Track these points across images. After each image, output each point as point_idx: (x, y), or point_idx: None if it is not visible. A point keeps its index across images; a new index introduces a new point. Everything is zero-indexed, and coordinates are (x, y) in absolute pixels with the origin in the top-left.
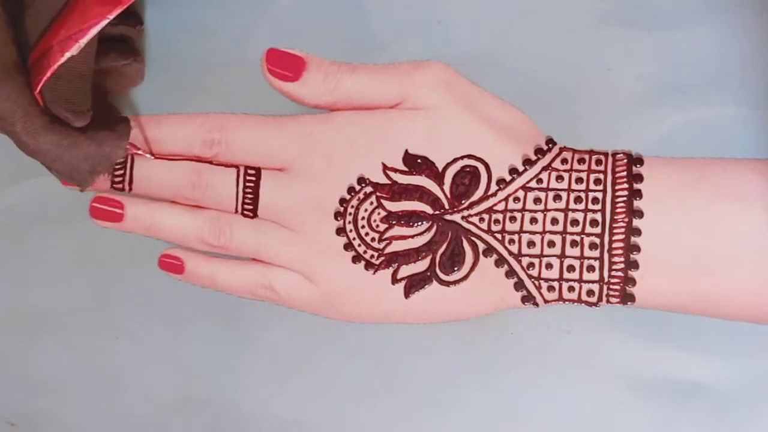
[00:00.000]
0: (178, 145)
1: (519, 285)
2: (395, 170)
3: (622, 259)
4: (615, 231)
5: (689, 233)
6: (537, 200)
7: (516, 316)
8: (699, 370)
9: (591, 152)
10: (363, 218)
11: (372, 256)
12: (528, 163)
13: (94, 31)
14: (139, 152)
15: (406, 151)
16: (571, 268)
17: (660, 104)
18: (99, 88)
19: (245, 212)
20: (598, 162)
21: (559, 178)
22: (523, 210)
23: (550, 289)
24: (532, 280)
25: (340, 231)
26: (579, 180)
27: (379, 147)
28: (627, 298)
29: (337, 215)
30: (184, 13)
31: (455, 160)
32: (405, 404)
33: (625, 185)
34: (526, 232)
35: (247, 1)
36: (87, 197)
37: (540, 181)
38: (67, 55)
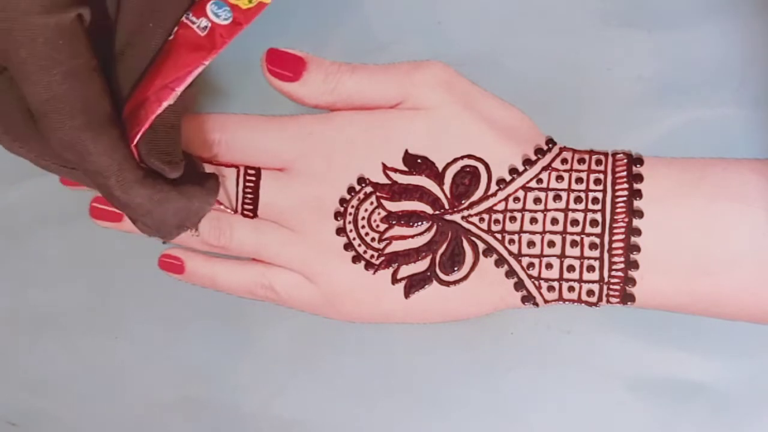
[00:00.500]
0: None
1: (519, 285)
2: (395, 170)
3: (622, 259)
4: (615, 231)
5: (689, 233)
6: (537, 200)
7: (516, 316)
8: (699, 370)
9: (591, 152)
10: (363, 218)
11: (372, 256)
12: (528, 163)
13: (190, 78)
14: (222, 208)
15: (406, 151)
16: (571, 268)
17: (660, 104)
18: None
19: (245, 212)
20: (598, 162)
21: (559, 178)
22: (523, 210)
23: (550, 289)
24: (532, 280)
25: (340, 231)
26: (579, 180)
27: (379, 147)
28: (627, 298)
29: (337, 215)
30: None
31: (455, 160)
32: (405, 404)
33: (625, 185)
34: (526, 232)
35: None
36: (87, 197)
37: (540, 181)
38: (165, 104)
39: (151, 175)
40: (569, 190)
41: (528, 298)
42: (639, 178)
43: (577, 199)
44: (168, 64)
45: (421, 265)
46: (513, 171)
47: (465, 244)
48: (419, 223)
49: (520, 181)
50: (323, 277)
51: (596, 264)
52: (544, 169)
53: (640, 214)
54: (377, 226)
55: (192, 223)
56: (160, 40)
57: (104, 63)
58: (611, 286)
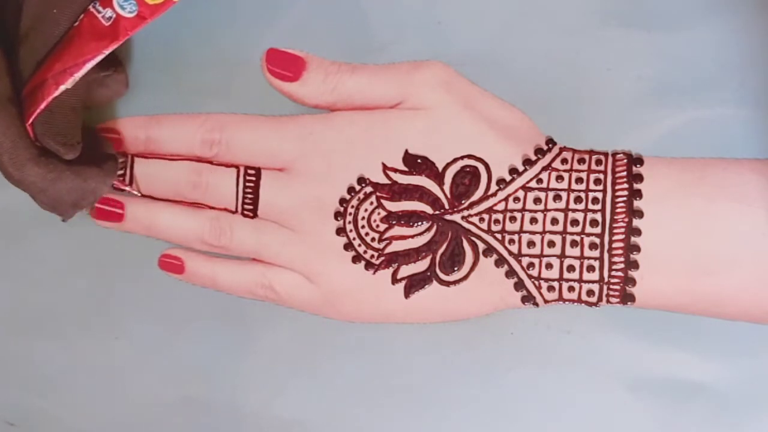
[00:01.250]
0: (178, 145)
1: (519, 285)
2: (395, 170)
3: (622, 259)
4: (615, 231)
5: (689, 233)
6: (537, 200)
7: (516, 316)
8: (699, 370)
9: (591, 152)
10: (363, 218)
11: (372, 256)
12: (528, 163)
13: (89, 66)
14: (127, 189)
15: (406, 151)
16: (571, 268)
17: (660, 104)
18: (87, 120)
19: (245, 212)
20: (598, 162)
21: (559, 178)
22: (523, 210)
23: (550, 289)
24: (532, 280)
25: (340, 231)
26: (579, 180)
27: (379, 147)
28: (627, 298)
29: (337, 215)
30: (184, 14)
31: (455, 160)
32: (405, 404)
33: (625, 185)
34: (526, 232)
35: (247, 1)
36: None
37: (540, 181)
38: (62, 88)
39: (46, 154)
40: (569, 190)
41: (528, 298)
42: (639, 178)
43: (577, 199)
44: (70, 49)
45: (421, 265)
46: (513, 171)
47: (465, 244)
48: (419, 223)
49: (520, 181)
50: (323, 277)
51: (596, 264)
52: (544, 169)
53: (640, 214)
54: (377, 226)
55: (88, 203)
56: (63, 28)
57: (7, 44)
58: (611, 286)
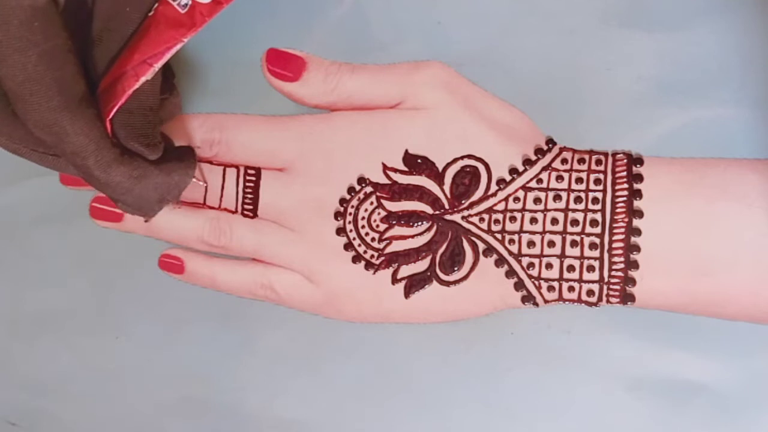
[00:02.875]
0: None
1: (519, 285)
2: (395, 170)
3: (622, 259)
4: (615, 231)
5: (689, 233)
6: (537, 200)
7: (516, 316)
8: (699, 370)
9: (591, 152)
10: (363, 218)
11: (372, 256)
12: (528, 163)
13: (169, 55)
14: (199, 182)
15: (406, 151)
16: (571, 268)
17: (660, 104)
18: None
19: (245, 212)
20: (598, 162)
21: (559, 178)
22: (523, 210)
23: (550, 289)
24: (532, 280)
25: (340, 231)
26: (579, 180)
27: (379, 147)
28: (627, 298)
29: (337, 215)
30: None
31: (455, 160)
32: (405, 404)
33: (625, 185)
34: (526, 232)
35: (247, 2)
36: (87, 197)
37: (540, 181)
38: (143, 79)
39: (128, 153)
40: (569, 190)
41: (528, 298)
42: (639, 178)
43: (577, 199)
44: (147, 40)
45: (421, 265)
46: (513, 171)
47: (465, 244)
48: (419, 223)
49: (520, 181)
50: (323, 277)
51: (596, 264)
52: (544, 169)
53: (640, 214)
54: (377, 226)
55: (173, 197)
56: (136, 25)
57: (81, 48)
58: (611, 286)
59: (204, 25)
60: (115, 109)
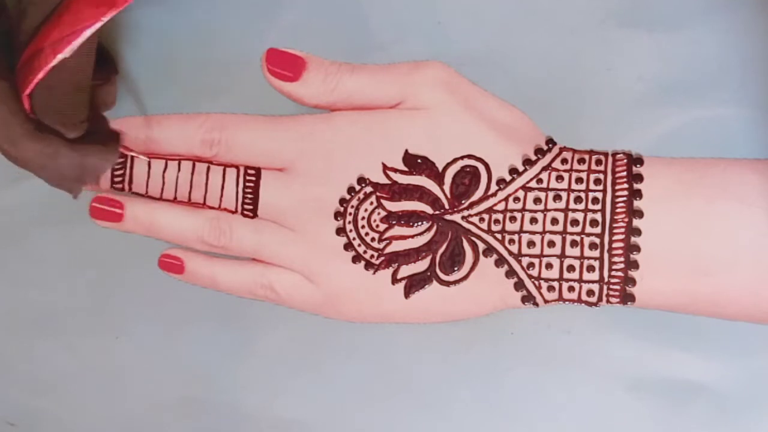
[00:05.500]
0: (178, 145)
1: (519, 285)
2: (395, 170)
3: (622, 259)
4: (615, 231)
5: (689, 233)
6: (537, 200)
7: (516, 316)
8: (699, 370)
9: (591, 152)
10: (363, 218)
11: (372, 256)
12: (528, 163)
13: (87, 33)
14: (134, 154)
15: (406, 151)
16: (571, 268)
17: (660, 104)
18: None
19: (245, 212)
20: (598, 162)
21: (559, 178)
22: (523, 210)
23: (550, 289)
24: (532, 280)
25: (340, 231)
26: (579, 180)
27: (379, 147)
28: (627, 298)
29: (337, 215)
30: (184, 14)
31: (455, 160)
32: (405, 404)
33: (625, 185)
34: (526, 232)
35: (247, 2)
36: (87, 197)
37: (540, 181)
38: (60, 57)
39: (42, 129)
40: (569, 190)
41: (528, 298)
42: (639, 178)
43: (577, 199)
44: (67, 16)
45: (421, 265)
46: (513, 171)
47: (465, 244)
48: (419, 223)
49: (520, 181)
50: (323, 277)
51: (596, 264)
52: (544, 169)
53: (640, 214)
54: (377, 226)
55: (91, 179)
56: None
57: (5, 22)
58: (611, 286)
59: (125, 6)
60: (31, 85)
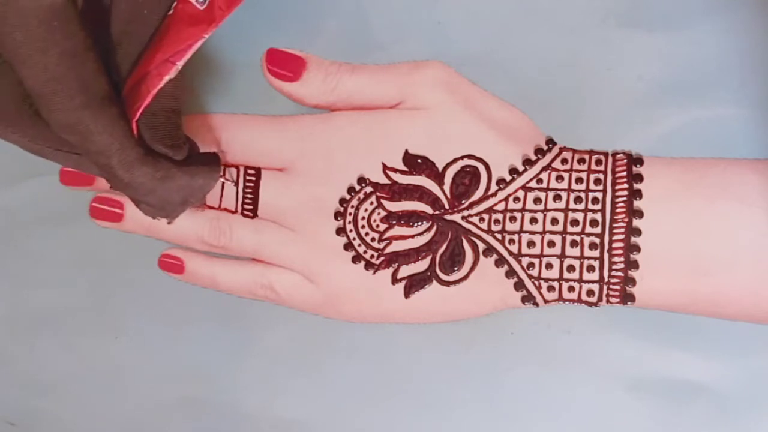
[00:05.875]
0: None
1: (519, 285)
2: (395, 170)
3: (622, 259)
4: (615, 231)
5: (689, 233)
6: (537, 200)
7: (516, 316)
8: (699, 370)
9: (591, 152)
10: (363, 218)
11: (372, 256)
12: (528, 163)
13: (191, 52)
14: (228, 180)
15: (406, 151)
16: (571, 268)
17: (660, 104)
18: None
19: (245, 212)
20: (598, 162)
21: (559, 178)
22: (523, 210)
23: (550, 289)
24: (532, 280)
25: (340, 231)
26: (579, 180)
27: (379, 147)
28: (627, 298)
29: (337, 215)
30: None
31: (455, 160)
32: (405, 404)
33: (625, 185)
34: (526, 232)
35: (247, 2)
36: (87, 197)
37: (540, 181)
38: (166, 78)
39: (152, 153)
40: (569, 190)
41: (528, 298)
42: (639, 178)
43: (577, 199)
44: (168, 38)
45: (421, 265)
46: (513, 171)
47: (465, 244)
48: (419, 223)
49: (520, 181)
50: (323, 277)
51: (596, 264)
52: (544, 169)
53: (640, 214)
54: (377, 226)
55: (196, 199)
56: (155, 27)
57: (102, 51)
58: (611, 286)
59: (224, 20)
60: (141, 110)
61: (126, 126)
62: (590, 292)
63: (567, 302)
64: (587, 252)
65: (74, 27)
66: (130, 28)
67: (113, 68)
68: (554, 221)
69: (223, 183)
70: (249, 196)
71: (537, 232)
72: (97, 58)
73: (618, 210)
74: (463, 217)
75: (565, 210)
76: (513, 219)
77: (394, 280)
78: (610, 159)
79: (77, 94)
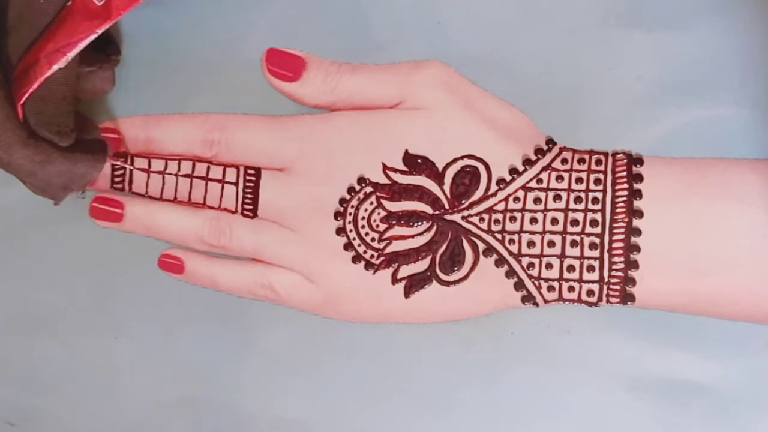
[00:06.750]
0: (178, 145)
1: (519, 285)
2: (395, 170)
3: (622, 259)
4: (615, 231)
5: (689, 233)
6: (537, 200)
7: (516, 316)
8: (699, 370)
9: (591, 152)
10: (363, 218)
11: (372, 256)
12: (528, 163)
13: (82, 45)
14: (118, 163)
15: (406, 151)
16: (571, 268)
17: (660, 104)
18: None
19: (245, 212)
20: (598, 162)
21: (559, 178)
22: (523, 210)
23: (550, 289)
24: (532, 280)
25: (340, 231)
26: (579, 180)
27: (379, 147)
28: (627, 298)
29: (337, 215)
30: (183, 13)
31: (455, 160)
32: (405, 404)
33: (625, 185)
34: (526, 232)
35: (247, 1)
36: (87, 197)
37: (540, 181)
38: (55, 67)
39: (34, 137)
40: (569, 190)
41: (528, 298)
42: (639, 178)
43: (577, 199)
44: (63, 29)
45: (421, 265)
46: (513, 171)
47: (465, 244)
48: (419, 223)
49: (520, 181)
50: (323, 277)
51: (596, 264)
52: (544, 169)
53: (640, 214)
54: (377, 226)
55: (77, 186)
56: (50, 17)
57: None
58: (611, 286)
59: (118, 18)
60: (26, 95)
61: (9, 108)
62: (590, 292)
63: (567, 302)
64: (587, 252)
65: None
66: (25, 15)
67: (4, 52)
68: (554, 221)
69: (223, 185)
70: (249, 196)
71: (537, 232)
72: None
73: (618, 210)
74: (463, 217)
75: (565, 210)
76: (513, 219)
77: (394, 280)
78: (610, 159)
79: None
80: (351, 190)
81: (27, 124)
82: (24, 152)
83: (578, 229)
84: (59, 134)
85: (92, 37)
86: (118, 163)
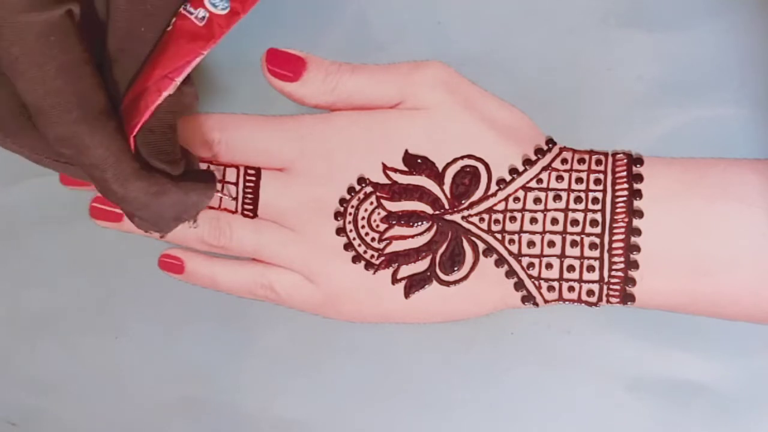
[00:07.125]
0: None
1: (519, 285)
2: (395, 170)
3: (622, 259)
4: (615, 231)
5: (689, 233)
6: (537, 200)
7: (516, 316)
8: (699, 370)
9: (591, 152)
10: (363, 218)
11: (372, 256)
12: (528, 163)
13: (189, 68)
14: (226, 195)
15: (406, 151)
16: (571, 268)
17: (660, 104)
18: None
19: (245, 212)
20: (598, 162)
21: (559, 178)
22: (523, 210)
23: (550, 289)
24: (532, 280)
25: (340, 231)
26: (579, 180)
27: (379, 147)
28: (627, 298)
29: (337, 215)
30: None
31: (455, 160)
32: (405, 404)
33: (625, 185)
34: (526, 232)
35: None
36: (87, 197)
37: (540, 181)
38: (164, 94)
39: (147, 167)
40: (569, 190)
41: (528, 298)
42: (639, 178)
43: (577, 199)
44: (167, 54)
45: (421, 265)
46: (513, 171)
47: (465, 244)
48: (419, 223)
49: (520, 181)
50: (323, 277)
51: (596, 264)
52: (544, 169)
53: (640, 214)
54: (377, 226)
55: (189, 216)
56: (152, 45)
57: (98, 65)
58: (611, 286)
59: (222, 37)
60: (139, 125)
61: (122, 140)
62: (590, 292)
63: (567, 302)
64: (587, 252)
65: (72, 41)
66: (126, 45)
67: (111, 84)
68: (554, 221)
69: (223, 185)
70: (249, 196)
71: (537, 232)
72: (94, 72)
73: (618, 210)
74: (463, 217)
75: (565, 210)
76: (513, 219)
77: (394, 280)
78: (610, 159)
79: (74, 108)
80: (351, 190)
81: (139, 155)
82: (138, 184)
83: (578, 229)
84: (170, 163)
85: (198, 59)
86: (223, 195)
